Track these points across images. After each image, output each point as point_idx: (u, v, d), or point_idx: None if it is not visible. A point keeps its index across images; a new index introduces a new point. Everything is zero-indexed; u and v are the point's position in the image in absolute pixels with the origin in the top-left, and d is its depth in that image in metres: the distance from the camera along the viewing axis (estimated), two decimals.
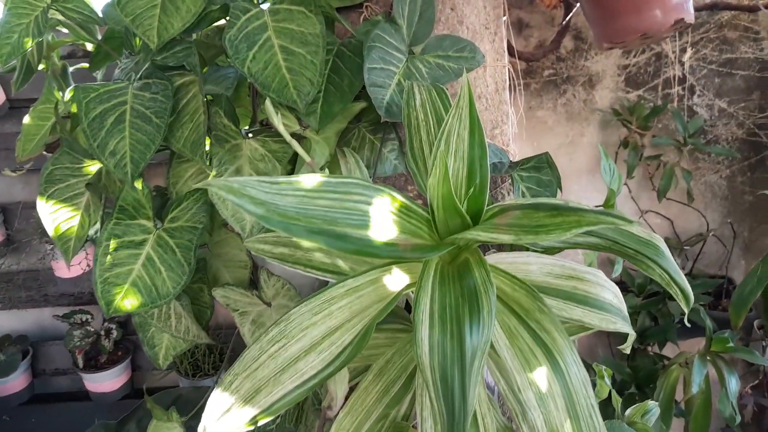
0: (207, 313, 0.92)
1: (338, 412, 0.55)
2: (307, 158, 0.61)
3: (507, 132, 1.01)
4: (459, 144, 0.53)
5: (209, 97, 0.79)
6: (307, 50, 0.76)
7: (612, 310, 0.57)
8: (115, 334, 1.67)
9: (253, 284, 0.91)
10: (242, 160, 0.80)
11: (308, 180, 0.45)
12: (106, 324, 1.69)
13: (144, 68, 0.77)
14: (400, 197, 0.49)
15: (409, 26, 0.80)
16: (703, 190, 1.99)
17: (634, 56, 1.97)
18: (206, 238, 0.90)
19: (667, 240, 1.91)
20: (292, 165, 0.81)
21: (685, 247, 1.92)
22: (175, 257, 0.78)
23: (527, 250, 0.59)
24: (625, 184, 1.93)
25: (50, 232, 0.82)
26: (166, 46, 0.78)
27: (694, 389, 1.48)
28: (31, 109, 0.98)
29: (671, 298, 1.77)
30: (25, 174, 1.50)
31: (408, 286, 0.53)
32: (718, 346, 1.48)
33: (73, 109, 0.74)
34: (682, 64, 1.92)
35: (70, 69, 1.08)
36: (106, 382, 1.67)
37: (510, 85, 1.04)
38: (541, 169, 0.86)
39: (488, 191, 0.53)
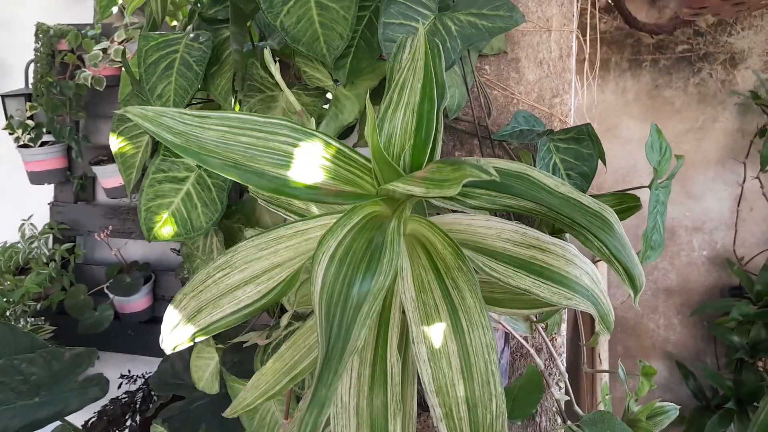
0: None
1: (281, 343, 0.58)
2: (298, 106, 0.63)
3: (568, 101, 0.95)
4: (411, 96, 0.52)
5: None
6: (341, 5, 0.78)
7: (574, 287, 0.53)
8: None
9: None
10: (276, 111, 0.84)
11: (234, 116, 0.48)
12: None
13: (195, 20, 0.84)
14: (335, 144, 0.50)
15: None
16: None
17: None
18: None
19: None
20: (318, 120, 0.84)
21: None
22: (211, 195, 0.85)
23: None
24: (757, 177, 1.70)
25: (119, 167, 0.93)
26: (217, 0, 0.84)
27: None
28: None
29: None
30: None
31: None
32: None
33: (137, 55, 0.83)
34: None
35: None
36: None
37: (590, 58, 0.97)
38: (582, 141, 0.80)
39: (436, 145, 0.52)
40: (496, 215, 0.76)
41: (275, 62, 0.65)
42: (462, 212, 0.59)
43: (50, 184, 1.99)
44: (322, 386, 0.41)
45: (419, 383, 0.63)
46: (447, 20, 0.76)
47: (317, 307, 0.44)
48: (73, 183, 1.95)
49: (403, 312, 0.59)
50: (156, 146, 0.90)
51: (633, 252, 0.48)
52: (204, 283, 0.54)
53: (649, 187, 0.81)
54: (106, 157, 1.94)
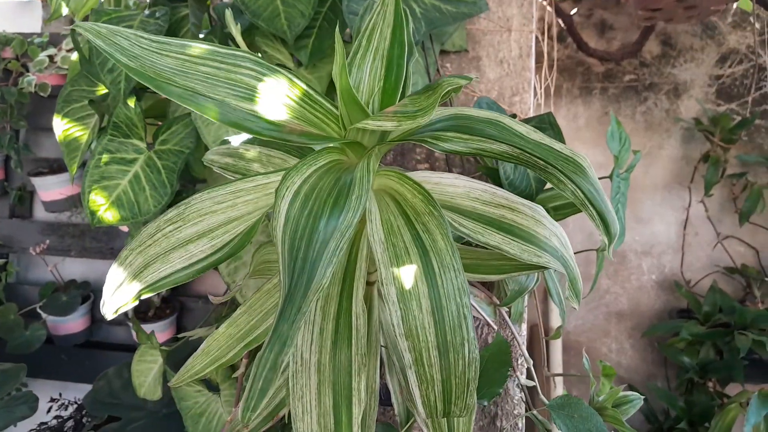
0: None
1: (236, 309, 0.54)
2: None
3: (527, 100, 0.96)
4: (380, 41, 0.51)
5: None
6: None
7: (543, 246, 0.51)
8: (164, 291, 1.76)
9: None
10: None
11: (194, 46, 0.45)
12: None
13: None
14: (301, 84, 0.48)
15: None
16: None
17: (730, 66, 1.82)
18: (207, 173, 0.92)
19: (745, 268, 1.72)
20: None
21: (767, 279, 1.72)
22: (160, 178, 0.81)
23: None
24: (702, 201, 1.76)
25: (63, 150, 0.88)
26: None
27: (747, 429, 1.31)
28: None
29: (741, 329, 1.59)
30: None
31: None
32: None
33: None
34: None
35: None
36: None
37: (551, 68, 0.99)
38: (544, 129, 0.80)
39: (406, 91, 0.50)
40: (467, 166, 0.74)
41: (236, 24, 0.62)
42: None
43: None
44: (283, 322, 0.37)
45: (382, 373, 0.60)
46: (411, 2, 0.76)
47: (280, 243, 0.41)
48: (10, 194, 1.85)
49: (370, 283, 0.56)
50: (104, 129, 0.85)
51: (607, 198, 0.47)
52: (153, 237, 0.50)
53: (610, 177, 0.82)
54: (46, 169, 1.85)
